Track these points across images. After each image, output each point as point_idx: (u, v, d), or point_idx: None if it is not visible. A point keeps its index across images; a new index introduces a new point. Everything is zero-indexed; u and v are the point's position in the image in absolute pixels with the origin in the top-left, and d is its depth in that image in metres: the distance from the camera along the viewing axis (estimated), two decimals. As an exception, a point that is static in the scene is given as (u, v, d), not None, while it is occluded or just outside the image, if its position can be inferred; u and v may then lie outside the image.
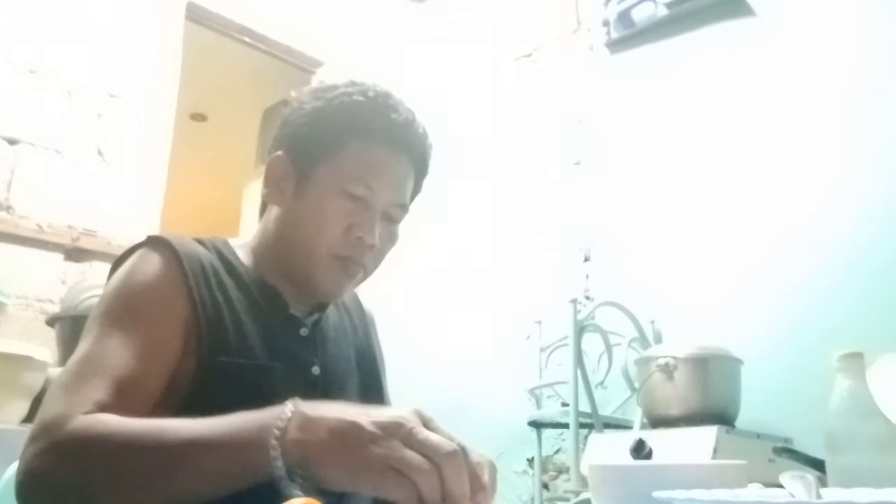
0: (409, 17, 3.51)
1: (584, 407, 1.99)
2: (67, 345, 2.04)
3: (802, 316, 2.01)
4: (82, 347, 0.77)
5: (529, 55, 3.01)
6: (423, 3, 3.51)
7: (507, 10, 3.14)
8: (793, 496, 0.58)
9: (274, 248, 0.92)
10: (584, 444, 1.90)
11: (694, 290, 2.25)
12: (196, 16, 3.05)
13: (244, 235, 1.02)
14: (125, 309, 0.80)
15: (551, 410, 2.25)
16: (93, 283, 2.13)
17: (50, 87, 2.55)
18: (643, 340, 2.14)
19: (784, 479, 0.60)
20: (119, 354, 0.75)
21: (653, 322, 2.24)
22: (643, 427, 1.86)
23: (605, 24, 2.70)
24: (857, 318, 1.88)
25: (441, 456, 0.56)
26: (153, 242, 0.86)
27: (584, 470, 1.66)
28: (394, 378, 1.09)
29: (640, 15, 2.58)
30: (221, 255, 0.91)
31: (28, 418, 1.71)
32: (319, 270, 0.89)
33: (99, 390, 0.71)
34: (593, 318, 2.13)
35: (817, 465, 0.97)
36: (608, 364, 2.10)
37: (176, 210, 3.26)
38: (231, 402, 0.65)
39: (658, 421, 1.76)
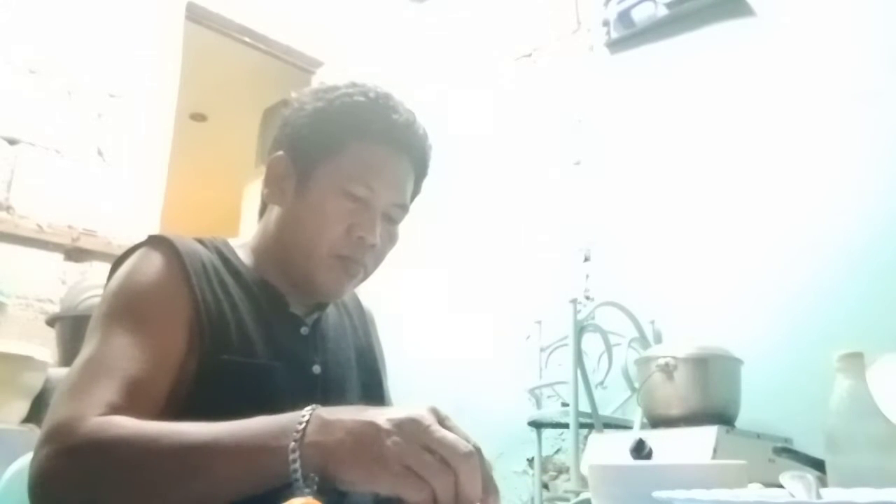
0: (409, 17, 3.51)
1: (584, 407, 1.99)
2: (67, 345, 2.04)
3: (802, 316, 2.01)
4: (88, 348, 0.76)
5: (529, 55, 3.01)
6: (423, 3, 3.51)
7: (507, 10, 3.14)
8: (793, 496, 0.58)
9: (274, 248, 0.93)
10: (584, 444, 1.90)
11: (694, 290, 2.26)
12: (196, 16, 3.05)
13: (244, 235, 1.03)
14: (129, 309, 0.79)
15: (551, 410, 2.25)
16: (93, 283, 2.13)
17: (50, 87, 2.55)
18: (643, 340, 2.14)
19: (784, 479, 0.60)
20: (126, 355, 0.75)
21: (653, 322, 2.24)
22: (643, 427, 1.86)
23: (605, 24, 2.70)
24: (857, 318, 1.88)
25: (457, 458, 0.56)
26: (154, 242, 0.86)
27: (584, 470, 1.65)
28: (394, 378, 1.09)
29: (640, 15, 2.58)
30: (222, 255, 0.91)
31: (28, 418, 1.71)
32: (320, 270, 0.89)
33: (109, 391, 0.71)
34: (593, 318, 2.12)
35: (817, 465, 0.97)
36: (608, 364, 2.10)
37: (176, 210, 3.26)
38: (233, 400, 0.65)
39: (658, 421, 1.76)
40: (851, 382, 0.79)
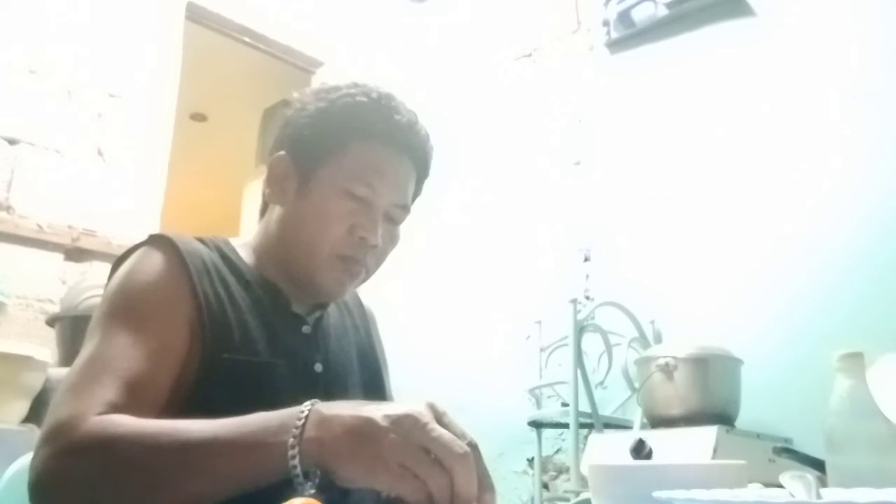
0: (409, 18, 3.51)
1: (584, 407, 1.99)
2: (67, 345, 2.04)
3: (802, 316, 2.01)
4: (89, 347, 0.76)
5: (529, 55, 3.01)
6: (423, 3, 3.51)
7: (507, 10, 3.14)
8: (793, 496, 0.58)
9: (276, 247, 0.93)
10: (584, 444, 1.90)
11: (694, 290, 2.26)
12: (196, 16, 3.05)
13: (244, 235, 1.03)
14: (131, 308, 0.79)
15: (551, 410, 2.25)
16: (93, 283, 2.13)
17: (50, 87, 2.55)
18: (643, 340, 2.14)
19: (784, 479, 0.60)
20: (127, 354, 0.75)
21: (653, 322, 2.24)
22: (643, 427, 1.86)
23: (605, 24, 2.70)
24: (857, 318, 1.88)
25: (452, 458, 0.57)
26: (155, 241, 0.86)
27: (584, 470, 1.66)
28: (394, 378, 1.09)
29: (640, 15, 2.58)
30: (223, 253, 0.91)
31: (28, 418, 1.71)
32: (322, 270, 0.89)
33: (110, 390, 0.71)
34: (593, 318, 2.13)
35: (817, 465, 0.98)
36: (608, 364, 2.10)
37: (176, 210, 3.26)
38: (235, 398, 0.65)
39: (658, 421, 1.76)
40: (851, 382, 0.79)
